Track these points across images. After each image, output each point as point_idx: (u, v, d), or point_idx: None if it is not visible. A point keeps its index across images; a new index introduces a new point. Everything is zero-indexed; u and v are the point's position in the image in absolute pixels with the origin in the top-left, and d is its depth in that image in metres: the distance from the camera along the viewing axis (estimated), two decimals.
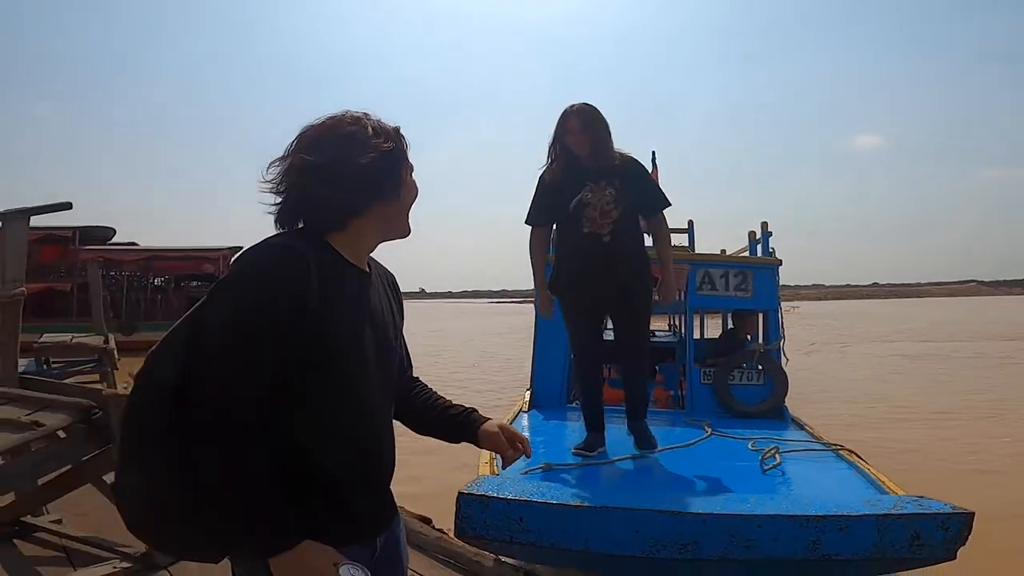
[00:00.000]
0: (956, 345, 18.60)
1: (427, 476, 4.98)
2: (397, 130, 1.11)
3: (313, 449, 1.01)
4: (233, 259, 1.02)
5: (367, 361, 1.06)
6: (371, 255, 1.16)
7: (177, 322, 1.00)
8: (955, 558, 1.78)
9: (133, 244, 22.57)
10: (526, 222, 3.08)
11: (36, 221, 3.44)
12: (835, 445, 3.15)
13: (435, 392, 1.29)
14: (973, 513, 1.72)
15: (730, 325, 5.37)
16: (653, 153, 5.49)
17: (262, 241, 1.01)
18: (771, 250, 5.16)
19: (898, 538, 1.71)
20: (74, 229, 19.37)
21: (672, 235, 5.98)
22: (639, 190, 2.88)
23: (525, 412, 3.99)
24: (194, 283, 24.40)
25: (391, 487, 1.16)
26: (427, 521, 3.31)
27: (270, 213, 1.07)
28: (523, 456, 1.24)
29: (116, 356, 6.11)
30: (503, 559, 2.86)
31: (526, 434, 3.13)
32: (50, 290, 18.72)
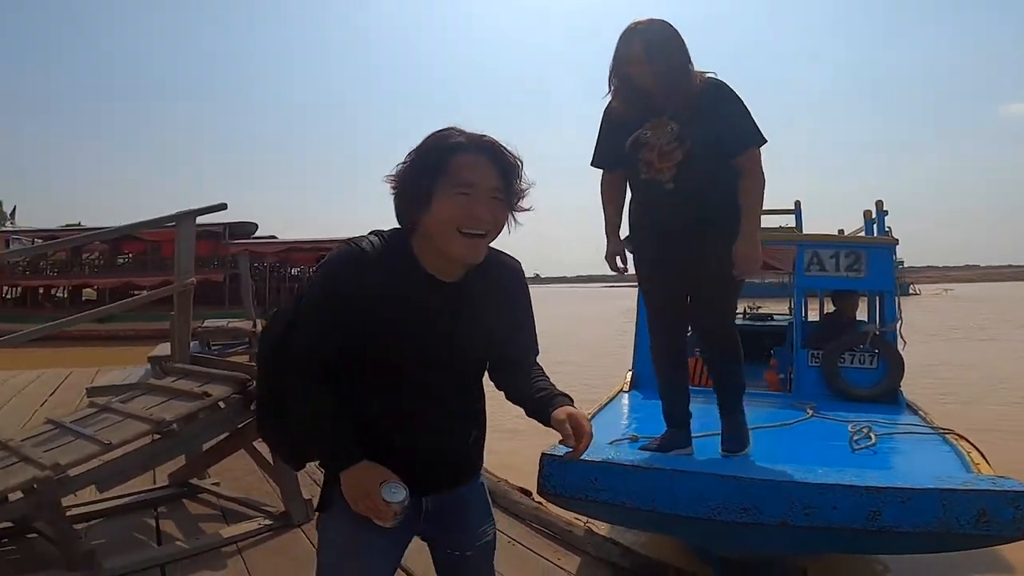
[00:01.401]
0: None
1: (527, 454, 5.32)
2: (437, 144, 1.16)
3: (359, 408, 1.21)
4: None
5: (410, 352, 1.19)
6: (496, 256, 1.25)
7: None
8: None
9: (273, 237, 24.64)
10: (591, 164, 2.56)
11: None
12: (944, 429, 3.06)
13: (542, 377, 1.31)
14: None
15: (828, 307, 5.24)
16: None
17: (370, 233, 1.22)
18: (887, 229, 4.97)
19: (963, 514, 1.72)
20: (224, 225, 21.48)
21: (778, 216, 5.86)
22: (716, 121, 2.19)
23: (625, 392, 4.13)
24: None
25: (469, 463, 1.32)
26: (527, 493, 3.57)
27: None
28: (581, 451, 1.20)
29: None
30: (593, 529, 3.07)
31: (622, 421, 3.22)
32: (205, 280, 21.05)
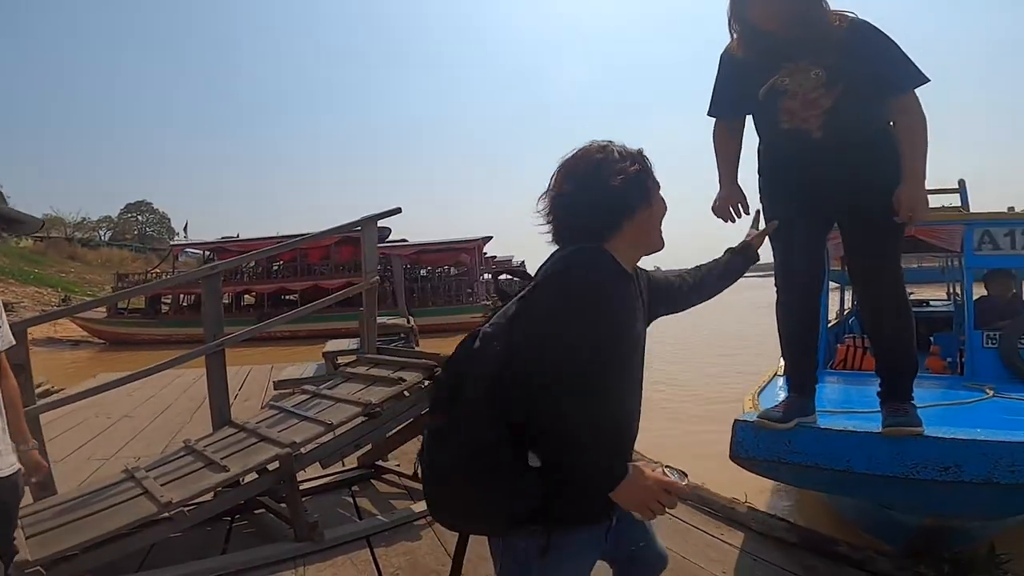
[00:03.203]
0: None
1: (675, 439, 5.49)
2: (640, 152, 1.29)
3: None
4: (560, 259, 1.22)
5: (630, 353, 1.27)
6: None
7: (504, 309, 1.24)
8: None
9: (404, 240, 26.00)
10: (707, 113, 2.32)
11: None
12: None
13: (692, 270, 1.65)
14: None
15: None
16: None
17: (582, 248, 1.22)
18: None
19: None
20: None
21: (940, 195, 5.55)
22: (869, 63, 1.96)
23: (780, 376, 4.15)
24: (452, 272, 27.58)
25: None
26: (684, 475, 3.73)
27: (544, 235, 1.29)
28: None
29: (417, 334, 7.46)
30: (755, 507, 3.16)
31: (781, 394, 3.28)
32: (349, 283, 22.62)
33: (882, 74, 1.99)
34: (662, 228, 1.34)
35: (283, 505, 3.22)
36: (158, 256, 29.65)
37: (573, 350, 1.10)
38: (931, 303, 7.65)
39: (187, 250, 26.25)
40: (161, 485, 2.89)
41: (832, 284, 6.50)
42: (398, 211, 4.31)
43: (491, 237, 25.71)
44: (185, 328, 19.82)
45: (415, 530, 3.15)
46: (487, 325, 1.21)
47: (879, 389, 2.19)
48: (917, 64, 2.00)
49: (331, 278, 22.65)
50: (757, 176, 2.32)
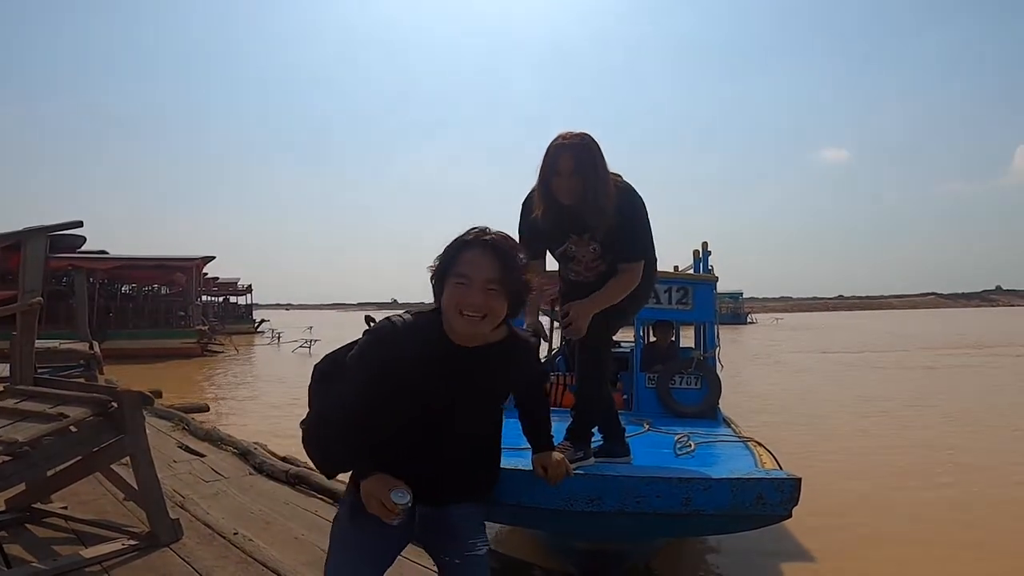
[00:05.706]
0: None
1: None
2: (453, 243, 1.52)
3: (383, 435, 1.56)
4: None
5: (424, 405, 1.55)
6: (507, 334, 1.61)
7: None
8: (791, 516, 2.25)
9: (103, 252, 22.50)
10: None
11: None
12: (747, 438, 3.69)
13: (543, 419, 1.95)
14: (800, 479, 2.21)
15: (652, 337, 5.94)
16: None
17: (402, 312, 1.59)
18: (710, 268, 5.80)
19: (747, 497, 2.18)
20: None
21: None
22: (623, 233, 2.44)
23: None
24: (164, 292, 24.57)
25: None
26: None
27: None
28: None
29: (101, 361, 6.44)
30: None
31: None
32: (14, 298, 18.77)
33: (625, 241, 2.46)
34: (459, 315, 1.47)
35: None
36: None
37: (350, 369, 1.56)
38: (622, 344, 8.81)
39: None
40: None
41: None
42: (78, 224, 3.78)
43: (213, 257, 23.33)
44: None
45: None
46: (336, 350, 1.69)
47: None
48: (651, 236, 2.54)
49: None
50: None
